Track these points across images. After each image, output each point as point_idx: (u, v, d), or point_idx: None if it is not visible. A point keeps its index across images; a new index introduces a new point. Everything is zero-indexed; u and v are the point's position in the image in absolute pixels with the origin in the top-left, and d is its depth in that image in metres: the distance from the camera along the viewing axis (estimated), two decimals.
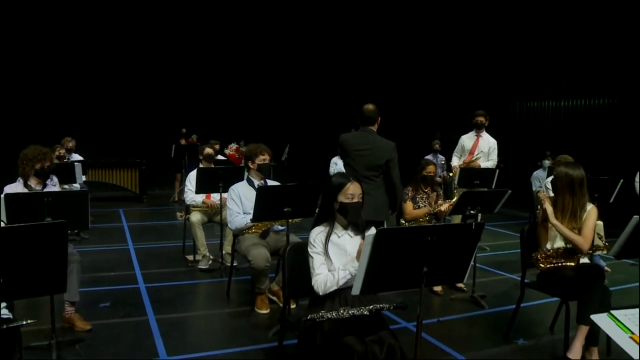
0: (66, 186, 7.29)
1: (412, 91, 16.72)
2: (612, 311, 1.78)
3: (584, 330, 3.71)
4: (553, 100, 13.32)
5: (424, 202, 5.76)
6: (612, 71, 11.59)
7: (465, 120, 7.92)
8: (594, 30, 11.72)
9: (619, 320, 1.74)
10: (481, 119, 7.39)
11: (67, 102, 13.54)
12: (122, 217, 9.79)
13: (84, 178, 8.54)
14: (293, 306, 4.80)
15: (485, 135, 7.42)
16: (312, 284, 3.08)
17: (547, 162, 8.96)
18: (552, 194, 4.18)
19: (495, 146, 7.42)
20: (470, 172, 7.01)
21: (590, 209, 4.00)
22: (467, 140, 7.48)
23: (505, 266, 6.70)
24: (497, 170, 6.99)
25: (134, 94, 14.50)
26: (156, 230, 8.77)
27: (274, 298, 5.11)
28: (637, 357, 1.61)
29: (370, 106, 5.15)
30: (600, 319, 1.78)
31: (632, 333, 1.69)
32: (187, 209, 6.68)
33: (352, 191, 3.16)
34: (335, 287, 3.04)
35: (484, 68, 14.79)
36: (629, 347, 1.66)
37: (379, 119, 5.15)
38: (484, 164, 7.31)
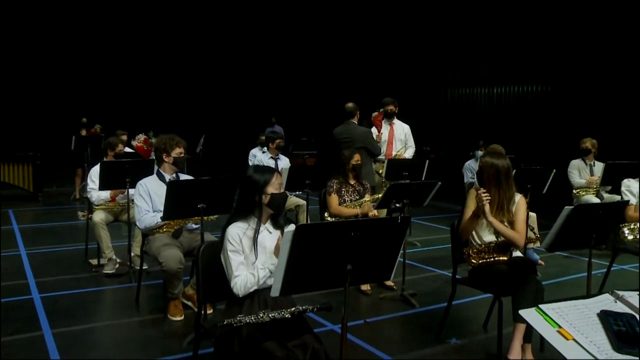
0: None
1: (338, 78, 16.87)
2: (540, 305, 1.85)
3: (521, 328, 3.84)
4: (485, 87, 13.78)
5: (350, 196, 5.81)
6: (546, 57, 12.11)
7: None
8: (528, 14, 12.19)
9: (546, 315, 1.81)
10: (391, 107, 7.62)
11: None
12: (12, 219, 9.34)
13: None
14: (210, 311, 4.73)
15: (397, 123, 7.65)
16: (231, 287, 3.05)
17: (479, 153, 9.29)
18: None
19: (409, 131, 7.76)
20: (398, 164, 7.16)
21: (519, 200, 4.16)
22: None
23: (437, 262, 6.89)
24: (427, 161, 7.17)
25: (25, 77, 13.86)
26: (54, 233, 8.45)
27: (189, 303, 5.04)
28: (564, 352, 1.68)
29: (349, 104, 7.12)
30: (529, 314, 1.85)
31: (560, 327, 1.75)
32: (90, 208, 6.47)
33: (279, 181, 3.21)
34: (256, 287, 3.05)
35: (412, 53, 15.05)
36: (557, 342, 1.72)
37: (358, 112, 7.09)
38: (406, 153, 7.54)
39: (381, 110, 7.69)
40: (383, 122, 7.63)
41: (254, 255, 3.13)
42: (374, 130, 7.58)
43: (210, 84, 16.84)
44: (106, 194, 6.25)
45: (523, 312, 1.84)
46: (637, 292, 1.90)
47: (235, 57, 16.95)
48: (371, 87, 16.01)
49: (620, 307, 1.85)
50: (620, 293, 1.90)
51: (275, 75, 17.14)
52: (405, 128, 7.75)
